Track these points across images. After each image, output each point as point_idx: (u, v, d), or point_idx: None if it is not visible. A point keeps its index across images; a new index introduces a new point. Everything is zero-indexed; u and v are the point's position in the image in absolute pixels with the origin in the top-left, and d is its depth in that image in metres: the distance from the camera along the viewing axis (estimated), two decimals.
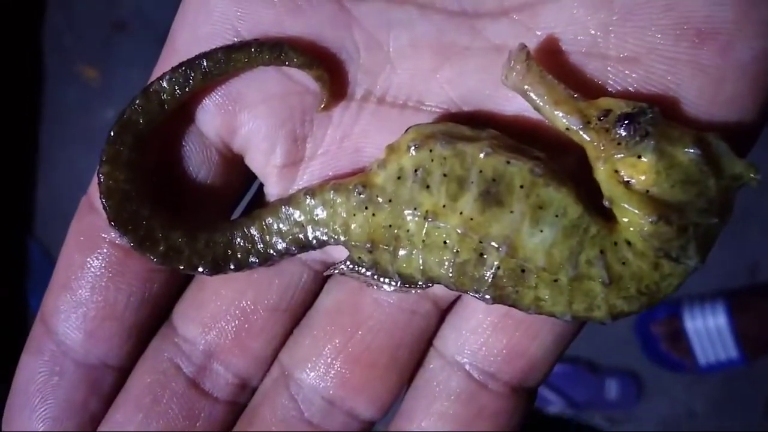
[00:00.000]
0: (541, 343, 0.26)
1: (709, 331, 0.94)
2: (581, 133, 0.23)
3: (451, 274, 0.24)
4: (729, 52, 0.23)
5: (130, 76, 1.04)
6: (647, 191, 0.23)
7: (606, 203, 0.23)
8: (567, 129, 0.23)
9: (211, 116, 0.26)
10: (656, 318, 0.98)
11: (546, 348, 0.27)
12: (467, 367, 0.27)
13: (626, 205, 0.23)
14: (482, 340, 0.27)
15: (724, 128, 0.24)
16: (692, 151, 0.22)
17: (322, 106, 0.25)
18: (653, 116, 0.22)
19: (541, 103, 0.23)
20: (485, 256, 0.23)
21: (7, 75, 1.07)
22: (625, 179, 0.23)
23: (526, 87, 0.23)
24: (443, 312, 0.28)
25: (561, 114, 0.23)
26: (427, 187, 0.24)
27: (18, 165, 1.10)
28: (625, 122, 0.22)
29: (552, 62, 0.24)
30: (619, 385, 1.01)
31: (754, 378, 0.97)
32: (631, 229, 0.23)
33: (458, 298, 0.27)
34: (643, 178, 0.23)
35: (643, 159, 0.22)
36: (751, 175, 0.23)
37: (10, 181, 1.10)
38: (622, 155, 0.23)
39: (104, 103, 1.08)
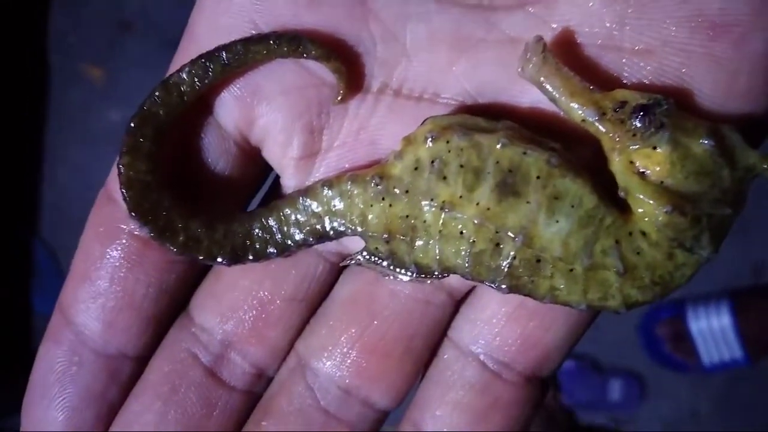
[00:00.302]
0: (554, 334, 0.27)
1: (713, 331, 0.94)
2: (597, 124, 0.23)
3: (467, 264, 0.24)
4: (744, 45, 0.23)
5: (135, 76, 1.04)
6: (662, 182, 0.23)
7: (621, 194, 0.24)
8: (582, 120, 0.24)
9: (230, 108, 0.27)
10: (660, 318, 0.98)
11: (560, 338, 0.27)
12: (482, 357, 0.27)
13: (641, 196, 0.23)
14: (497, 330, 0.27)
15: (738, 120, 0.24)
16: (706, 142, 0.23)
17: (339, 98, 0.26)
18: (668, 107, 0.23)
19: (556, 95, 0.24)
20: (501, 246, 0.24)
21: (11, 74, 1.08)
22: (640, 170, 0.23)
23: (541, 79, 0.24)
24: (458, 303, 0.28)
25: (576, 105, 0.23)
26: (444, 178, 0.24)
27: (22, 164, 1.11)
28: (641, 113, 0.23)
29: (568, 55, 0.24)
30: (623, 386, 1.01)
31: (759, 378, 0.98)
32: (646, 219, 0.23)
33: (473, 288, 0.28)
34: (657, 168, 0.23)
35: (658, 150, 0.23)
36: (765, 166, 0.23)
37: (15, 180, 1.11)
38: (638, 146, 0.23)
39: (109, 104, 1.08)
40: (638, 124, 0.23)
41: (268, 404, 0.28)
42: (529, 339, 0.27)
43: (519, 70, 0.24)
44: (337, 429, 0.27)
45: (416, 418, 0.28)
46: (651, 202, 0.23)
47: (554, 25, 0.25)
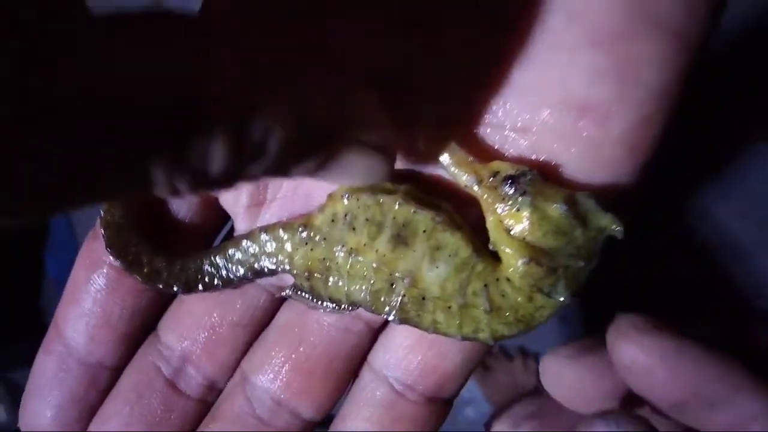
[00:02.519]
0: (450, 362, 0.31)
1: None
2: (475, 188, 0.28)
3: (368, 300, 0.29)
4: (605, 124, 0.27)
5: None
6: (524, 238, 0.28)
7: (491, 247, 0.29)
8: (465, 186, 0.28)
9: None
10: None
11: (455, 366, 0.31)
12: (390, 379, 0.32)
13: (506, 248, 0.28)
14: (402, 357, 0.32)
15: (605, 187, 0.28)
16: (561, 206, 0.27)
17: None
18: (531, 177, 0.27)
19: (445, 164, 0.28)
20: (394, 286, 0.29)
21: None
22: (508, 228, 0.28)
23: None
24: (376, 331, 0.33)
25: (460, 173, 0.28)
26: (353, 228, 0.29)
27: None
28: (509, 182, 0.27)
29: (463, 132, 0.29)
30: None
31: None
32: (511, 269, 0.28)
33: (387, 321, 0.33)
34: (520, 227, 0.27)
35: (522, 212, 0.27)
36: (614, 227, 0.28)
37: None
38: (507, 208, 0.28)
39: None
40: (508, 191, 0.27)
41: (215, 411, 0.34)
42: (428, 365, 0.31)
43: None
44: None
45: (337, 428, 0.33)
46: (512, 253, 0.28)
47: None
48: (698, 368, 0.27)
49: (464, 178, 0.28)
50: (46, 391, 0.33)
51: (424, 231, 0.28)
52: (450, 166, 0.28)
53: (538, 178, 0.28)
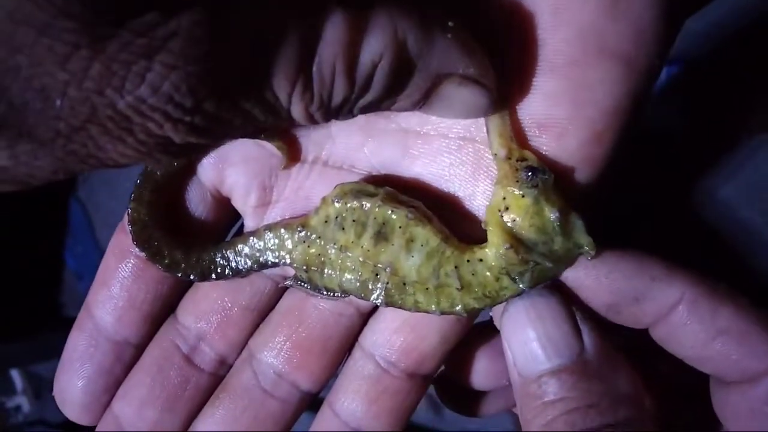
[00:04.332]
0: (428, 343, 0.36)
1: None
2: (501, 161, 0.32)
3: (357, 288, 0.34)
4: (561, 140, 0.31)
5: None
6: (514, 220, 0.32)
7: (483, 226, 0.33)
8: (494, 154, 0.32)
9: (207, 171, 0.37)
10: None
11: (433, 346, 0.36)
12: (377, 357, 0.37)
13: (494, 230, 0.32)
14: (386, 338, 0.37)
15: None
16: (555, 214, 0.31)
17: (284, 166, 0.36)
18: (548, 178, 0.31)
19: (490, 127, 0.32)
20: (379, 275, 0.34)
21: None
22: (506, 206, 0.32)
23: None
24: (366, 316, 0.38)
25: (498, 143, 0.32)
26: (343, 228, 0.34)
27: None
28: (529, 171, 0.31)
29: None
30: None
31: None
32: (493, 249, 0.32)
33: (377, 306, 0.38)
34: (516, 209, 0.32)
35: (524, 199, 0.31)
36: (587, 249, 0.32)
37: None
38: (515, 189, 0.32)
39: None
40: (524, 176, 0.31)
41: (225, 383, 0.39)
42: (409, 346, 0.36)
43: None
44: (270, 403, 0.38)
45: (331, 399, 0.38)
46: (499, 237, 0.32)
47: (434, 119, 0.34)
48: (615, 270, 0.32)
49: (497, 147, 0.32)
50: (77, 365, 0.38)
51: (400, 227, 0.33)
52: (493, 131, 0.32)
53: (552, 182, 0.31)
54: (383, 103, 0.28)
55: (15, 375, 1.41)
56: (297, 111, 0.27)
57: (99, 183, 1.22)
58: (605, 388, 0.30)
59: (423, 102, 0.29)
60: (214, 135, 0.26)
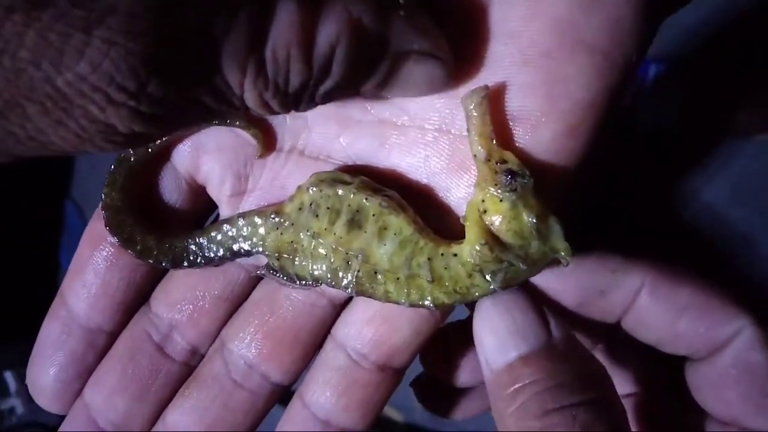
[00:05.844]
0: (400, 335, 0.36)
1: None
2: (481, 162, 0.31)
3: (328, 276, 0.34)
4: (535, 132, 0.31)
5: None
6: (492, 223, 0.31)
7: (462, 221, 0.32)
8: (474, 155, 0.32)
9: (182, 158, 0.37)
10: None
11: (404, 339, 0.36)
12: (348, 349, 0.36)
13: (472, 226, 0.32)
14: (358, 330, 0.36)
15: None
16: (532, 218, 0.31)
17: (259, 155, 0.36)
18: (527, 182, 0.31)
19: (470, 128, 0.31)
20: (350, 263, 0.33)
21: None
22: (484, 208, 0.31)
23: (471, 111, 0.30)
24: (339, 308, 0.38)
25: (477, 143, 0.31)
26: (316, 215, 0.34)
27: None
28: (509, 175, 0.31)
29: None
30: None
31: None
32: (469, 244, 0.32)
33: (350, 298, 0.37)
34: (495, 212, 0.31)
35: (502, 203, 0.31)
36: (563, 254, 0.31)
37: None
38: (494, 192, 0.31)
39: None
40: (503, 179, 0.31)
41: (196, 373, 0.38)
42: (381, 338, 0.36)
43: (462, 97, 0.31)
44: (240, 394, 0.37)
45: (301, 390, 0.38)
46: (476, 233, 0.31)
47: (411, 112, 0.34)
48: (578, 268, 0.34)
49: (478, 148, 0.31)
50: (50, 351, 0.38)
51: (374, 215, 0.33)
52: (473, 131, 0.31)
53: (531, 186, 0.31)
54: (345, 88, 0.28)
55: (8, 377, 1.41)
56: (251, 99, 0.26)
57: (94, 184, 1.23)
58: (574, 369, 0.30)
59: (385, 84, 0.29)
60: (162, 124, 0.25)
